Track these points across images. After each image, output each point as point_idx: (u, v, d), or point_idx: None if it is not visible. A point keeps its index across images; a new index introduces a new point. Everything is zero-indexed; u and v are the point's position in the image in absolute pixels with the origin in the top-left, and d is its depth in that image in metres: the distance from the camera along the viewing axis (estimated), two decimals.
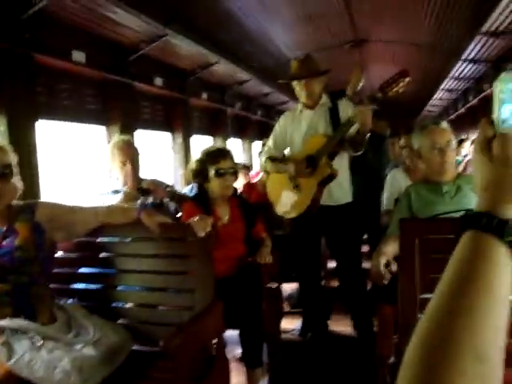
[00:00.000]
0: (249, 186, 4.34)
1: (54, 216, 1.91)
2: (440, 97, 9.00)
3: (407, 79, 2.68)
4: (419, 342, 0.50)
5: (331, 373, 2.93)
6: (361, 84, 3.58)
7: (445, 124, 2.37)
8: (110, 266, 2.15)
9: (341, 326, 3.41)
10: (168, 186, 3.06)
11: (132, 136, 3.82)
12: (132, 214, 1.98)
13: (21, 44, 2.82)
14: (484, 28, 4.24)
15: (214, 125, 6.60)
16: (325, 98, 3.03)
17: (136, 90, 4.28)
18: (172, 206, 2.86)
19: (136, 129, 4.22)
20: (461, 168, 5.06)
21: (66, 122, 3.65)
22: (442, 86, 7.76)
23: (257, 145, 7.91)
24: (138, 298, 2.14)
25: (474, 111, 7.39)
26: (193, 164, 2.77)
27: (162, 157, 5.35)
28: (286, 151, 3.17)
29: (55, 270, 2.04)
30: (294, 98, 3.27)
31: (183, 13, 3.85)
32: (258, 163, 5.21)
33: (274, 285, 2.74)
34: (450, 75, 6.63)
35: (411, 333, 0.52)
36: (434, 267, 1.33)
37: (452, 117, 9.26)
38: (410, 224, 1.89)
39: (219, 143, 6.46)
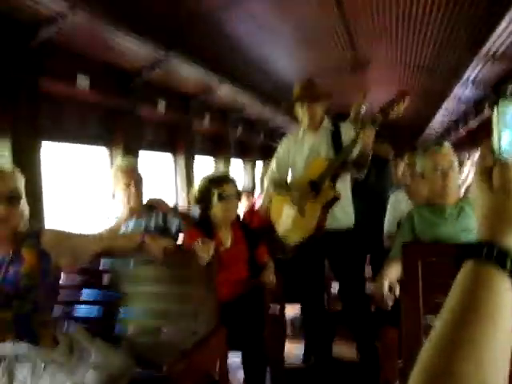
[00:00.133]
0: (250, 212, 4.33)
1: (59, 242, 1.91)
2: (441, 119, 9.06)
3: (407, 99, 2.70)
4: (423, 370, 0.50)
5: None
6: (364, 108, 3.60)
7: (447, 145, 2.38)
8: (113, 290, 2.15)
9: (344, 349, 3.37)
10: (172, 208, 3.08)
11: (136, 158, 3.85)
12: (136, 238, 1.99)
13: (27, 71, 2.86)
14: (483, 51, 4.29)
15: (217, 147, 6.64)
16: (327, 121, 3.05)
17: (139, 113, 4.32)
18: (175, 221, 2.86)
19: (139, 152, 4.25)
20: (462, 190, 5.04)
21: (70, 144, 3.69)
22: (442, 108, 7.82)
23: (259, 166, 7.95)
24: (141, 323, 2.14)
25: (473, 133, 7.43)
26: (196, 188, 2.78)
27: (164, 179, 5.36)
28: (289, 177, 3.18)
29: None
30: (296, 121, 3.30)
31: (185, 38, 3.92)
32: (260, 186, 5.21)
33: (278, 308, 2.72)
34: (450, 97, 6.68)
35: (415, 357, 0.52)
36: (437, 290, 1.33)
37: (452, 138, 9.30)
38: (413, 247, 1.89)
39: (222, 165, 6.50)
